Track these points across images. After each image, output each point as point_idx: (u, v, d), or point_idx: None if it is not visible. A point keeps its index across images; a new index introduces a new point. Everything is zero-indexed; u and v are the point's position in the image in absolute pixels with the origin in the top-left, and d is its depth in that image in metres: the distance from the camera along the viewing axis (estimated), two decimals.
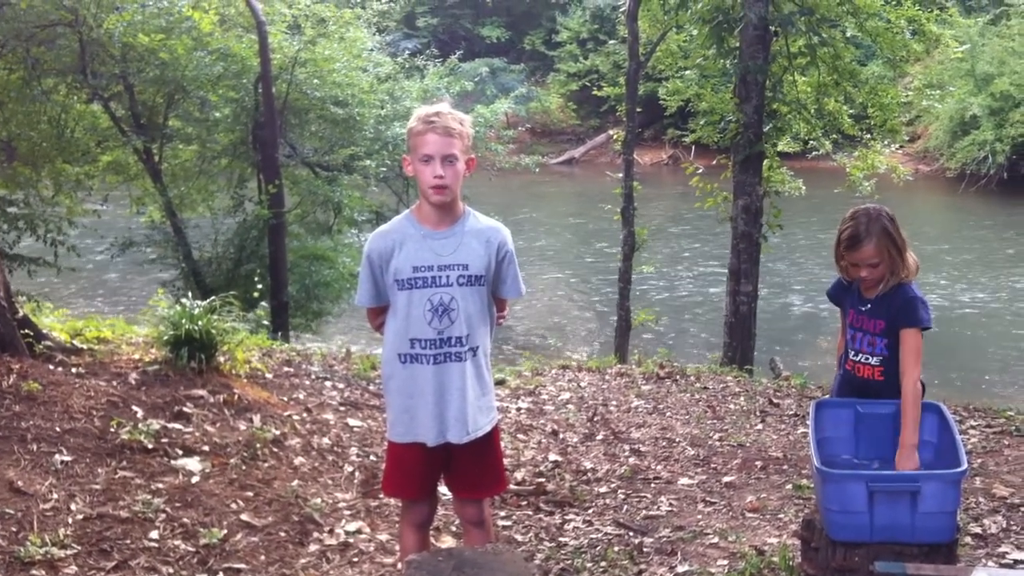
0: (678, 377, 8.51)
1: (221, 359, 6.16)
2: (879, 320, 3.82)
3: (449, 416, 3.51)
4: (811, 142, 13.30)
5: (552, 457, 6.06)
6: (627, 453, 6.27)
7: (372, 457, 5.61)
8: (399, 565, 4.21)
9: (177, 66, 12.53)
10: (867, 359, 3.87)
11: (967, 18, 30.27)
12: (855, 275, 3.85)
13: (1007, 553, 4.37)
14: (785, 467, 5.95)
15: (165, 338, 6.05)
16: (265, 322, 8.42)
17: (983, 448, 6.21)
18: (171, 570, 4.14)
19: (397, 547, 4.39)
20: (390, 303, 3.57)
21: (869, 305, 3.86)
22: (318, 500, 4.97)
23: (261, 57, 12.69)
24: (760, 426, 7.00)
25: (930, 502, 3.32)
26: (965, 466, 3.37)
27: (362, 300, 3.63)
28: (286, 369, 7.09)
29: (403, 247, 3.50)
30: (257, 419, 5.67)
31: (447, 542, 4.66)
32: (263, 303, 8.91)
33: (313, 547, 4.58)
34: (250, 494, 4.86)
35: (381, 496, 4.99)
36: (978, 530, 4.67)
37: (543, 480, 5.64)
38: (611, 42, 30.41)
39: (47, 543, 4.05)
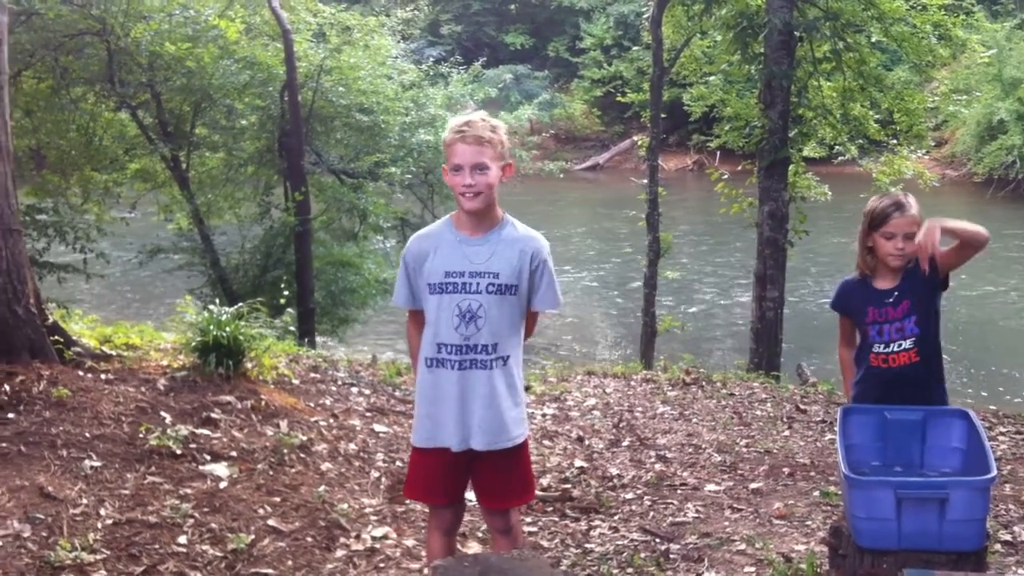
0: (704, 383, 8.48)
1: (248, 365, 6.19)
2: (904, 300, 3.84)
3: (473, 423, 3.50)
4: (837, 147, 13.26)
5: (578, 463, 6.06)
6: (653, 459, 6.26)
7: (398, 463, 5.63)
8: (426, 571, 4.22)
9: (204, 74, 12.62)
10: (900, 345, 3.86)
11: (993, 22, 30.05)
12: (885, 251, 3.82)
13: None
14: (812, 474, 5.92)
15: (193, 344, 6.09)
16: (292, 328, 8.49)
17: (1012, 455, 6.17)
18: (199, 575, 4.16)
19: (423, 553, 4.40)
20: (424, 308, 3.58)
21: (896, 294, 3.86)
22: (345, 506, 4.98)
23: (287, 65, 12.78)
24: (787, 432, 6.97)
25: (959, 509, 3.29)
26: (994, 473, 3.34)
27: (396, 300, 3.65)
28: (312, 375, 7.11)
29: (438, 251, 3.52)
30: (284, 425, 5.69)
31: (473, 548, 4.66)
32: (289, 309, 8.98)
33: (340, 552, 4.59)
34: (277, 499, 4.88)
35: (407, 502, 5.00)
36: (1008, 537, 4.64)
37: (569, 486, 5.63)
38: (635, 48, 30.33)
39: (77, 548, 4.08)
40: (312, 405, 6.27)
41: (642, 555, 4.64)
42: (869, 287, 3.94)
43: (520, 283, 3.51)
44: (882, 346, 3.89)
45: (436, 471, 3.62)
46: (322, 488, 5.10)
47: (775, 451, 6.45)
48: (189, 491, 4.75)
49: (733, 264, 21.73)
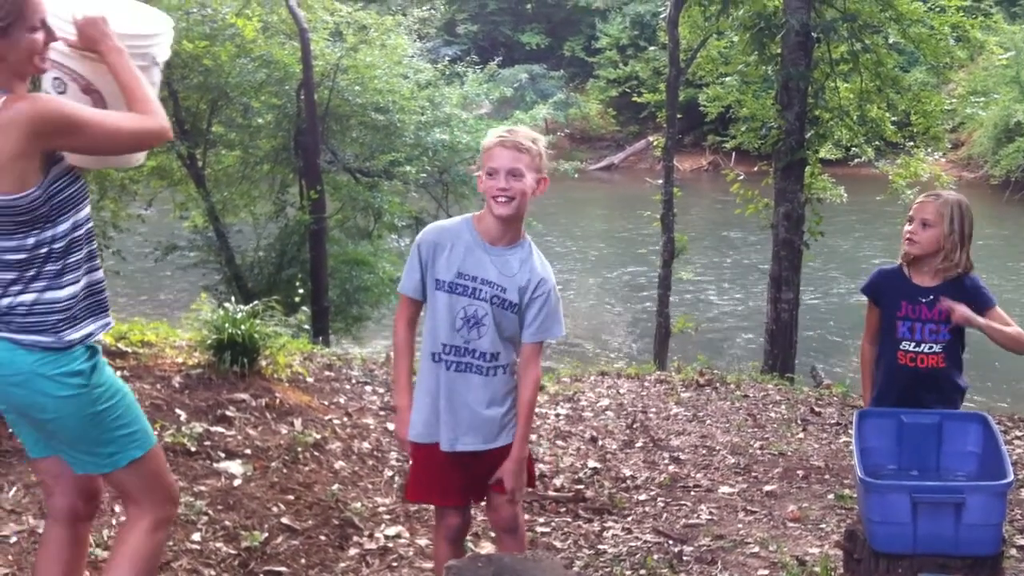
0: (718, 385, 8.46)
1: (263, 363, 6.20)
2: (945, 308, 3.83)
3: (463, 424, 3.51)
4: (853, 149, 13.22)
5: (591, 464, 6.05)
6: (667, 461, 6.25)
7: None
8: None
9: (220, 73, 12.67)
10: (931, 348, 3.85)
11: (1012, 24, 29.88)
12: (903, 235, 3.88)
13: None
14: (827, 476, 5.91)
15: (208, 342, 6.11)
16: (306, 326, 8.48)
17: None
18: (213, 572, 4.17)
19: None
20: (427, 301, 3.57)
21: (931, 296, 3.85)
22: (358, 504, 4.99)
23: (303, 64, 12.80)
24: (801, 435, 6.95)
25: (975, 514, 3.28)
26: (1011, 478, 3.33)
27: (404, 288, 3.60)
28: (327, 373, 7.13)
29: (454, 249, 3.50)
30: (298, 423, 5.71)
31: (486, 548, 4.67)
32: (304, 308, 8.98)
33: (353, 551, 4.60)
34: (291, 497, 4.89)
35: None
36: (1023, 543, 4.62)
37: (582, 487, 5.63)
38: (651, 48, 30.33)
39: (91, 544, 4.08)
40: (326, 403, 6.28)
41: (655, 557, 4.64)
42: (906, 280, 3.93)
43: (520, 304, 3.49)
44: (912, 344, 3.87)
45: (436, 469, 3.59)
46: (336, 487, 5.11)
47: (789, 453, 6.43)
48: (203, 488, 4.76)
49: (748, 266, 21.69)
